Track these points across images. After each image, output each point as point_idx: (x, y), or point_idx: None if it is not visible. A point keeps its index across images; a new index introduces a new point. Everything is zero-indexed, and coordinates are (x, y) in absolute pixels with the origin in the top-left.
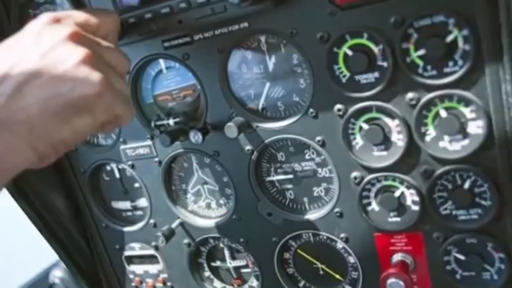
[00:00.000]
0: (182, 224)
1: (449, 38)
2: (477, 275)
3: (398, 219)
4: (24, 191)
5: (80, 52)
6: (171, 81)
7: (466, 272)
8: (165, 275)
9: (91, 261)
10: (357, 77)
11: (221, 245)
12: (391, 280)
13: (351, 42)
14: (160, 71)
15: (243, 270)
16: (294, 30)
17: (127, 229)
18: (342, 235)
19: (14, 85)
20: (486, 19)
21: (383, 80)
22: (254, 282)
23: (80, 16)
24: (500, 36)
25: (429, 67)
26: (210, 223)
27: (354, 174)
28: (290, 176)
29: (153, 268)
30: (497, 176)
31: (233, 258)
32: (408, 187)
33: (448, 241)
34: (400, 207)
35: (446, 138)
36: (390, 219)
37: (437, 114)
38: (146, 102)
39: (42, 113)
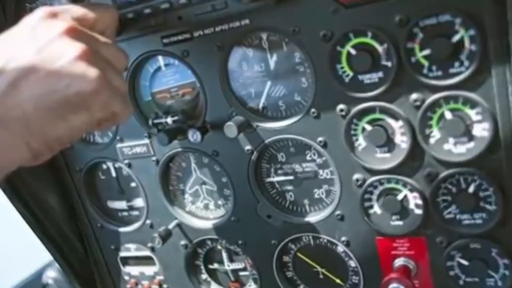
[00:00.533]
0: (179, 225)
1: (455, 38)
2: (480, 281)
3: (400, 222)
4: (18, 189)
5: (77, 47)
6: (169, 78)
7: (469, 278)
8: (161, 277)
9: (85, 262)
10: (360, 77)
11: (219, 247)
12: (392, 285)
13: (354, 41)
14: (159, 68)
15: (241, 273)
16: (296, 28)
17: (123, 229)
18: (343, 238)
19: (10, 80)
20: (493, 19)
21: (387, 80)
22: (252, 286)
23: (77, 10)
24: (508, 36)
25: (434, 68)
26: (208, 224)
27: (356, 176)
28: (291, 177)
29: (149, 270)
30: (503, 180)
31: (231, 260)
32: (411, 190)
33: (451, 246)
34: (402, 210)
35: (451, 140)
36: (392, 223)
37: (442, 116)
38: (144, 99)
39: (37, 110)
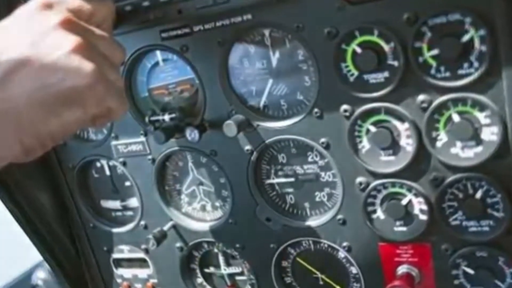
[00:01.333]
0: (174, 227)
1: (465, 38)
2: None
3: (404, 228)
4: (8, 186)
5: (72, 40)
6: (167, 74)
7: (475, 287)
8: (155, 280)
9: (76, 263)
10: (365, 76)
11: (216, 250)
12: None
13: (360, 39)
14: (157, 63)
15: (238, 278)
16: (300, 25)
17: (116, 230)
18: (345, 243)
19: (1, 73)
20: (504, 19)
21: (393, 81)
22: None
23: (73, 2)
24: None
25: (442, 68)
26: (204, 226)
27: (359, 179)
28: (291, 179)
29: (142, 273)
30: (511, 186)
31: (228, 264)
32: (416, 195)
33: (457, 253)
34: (407, 216)
35: (458, 144)
36: (396, 228)
37: (449, 119)
38: (140, 95)
39: (30, 104)
